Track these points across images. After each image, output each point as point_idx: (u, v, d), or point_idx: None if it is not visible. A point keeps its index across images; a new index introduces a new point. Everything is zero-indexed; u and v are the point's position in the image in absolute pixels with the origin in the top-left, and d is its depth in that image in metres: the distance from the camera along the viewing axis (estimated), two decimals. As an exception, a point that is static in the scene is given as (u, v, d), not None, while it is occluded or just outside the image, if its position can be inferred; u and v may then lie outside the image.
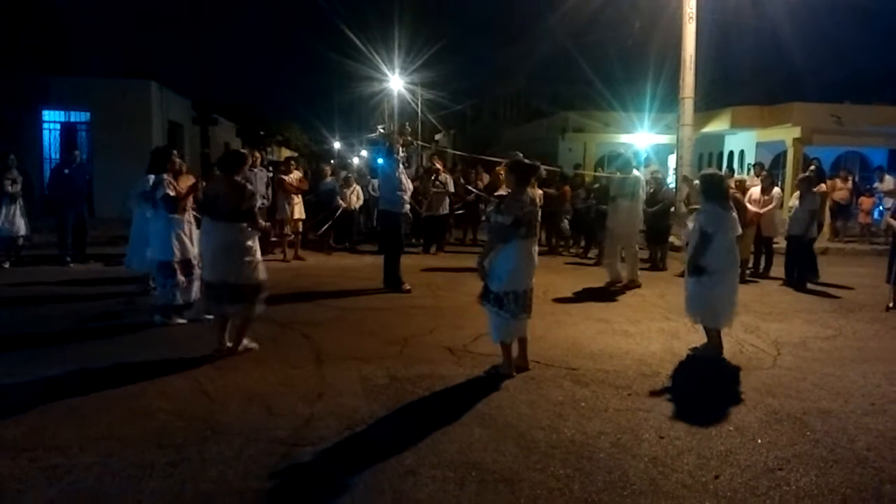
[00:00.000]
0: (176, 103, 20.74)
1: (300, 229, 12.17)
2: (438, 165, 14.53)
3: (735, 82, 26.86)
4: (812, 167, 12.60)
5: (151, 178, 7.01)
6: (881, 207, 15.89)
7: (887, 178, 16.30)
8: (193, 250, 7.03)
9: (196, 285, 6.96)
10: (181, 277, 6.81)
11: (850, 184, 16.00)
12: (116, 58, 23.80)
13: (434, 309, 7.88)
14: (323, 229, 12.92)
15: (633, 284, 9.53)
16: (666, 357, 6.02)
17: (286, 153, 34.69)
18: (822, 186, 11.97)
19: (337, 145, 53.12)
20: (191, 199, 7.36)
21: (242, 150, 6.16)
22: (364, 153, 43.54)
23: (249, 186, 5.90)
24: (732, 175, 16.25)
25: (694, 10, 14.01)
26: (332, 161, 25.83)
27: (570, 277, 10.36)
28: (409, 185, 9.48)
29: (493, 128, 40.65)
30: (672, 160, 17.99)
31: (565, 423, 4.36)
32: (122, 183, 10.62)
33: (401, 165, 9.26)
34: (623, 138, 23.60)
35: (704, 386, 5.37)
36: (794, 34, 22.26)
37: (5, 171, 10.38)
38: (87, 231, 11.44)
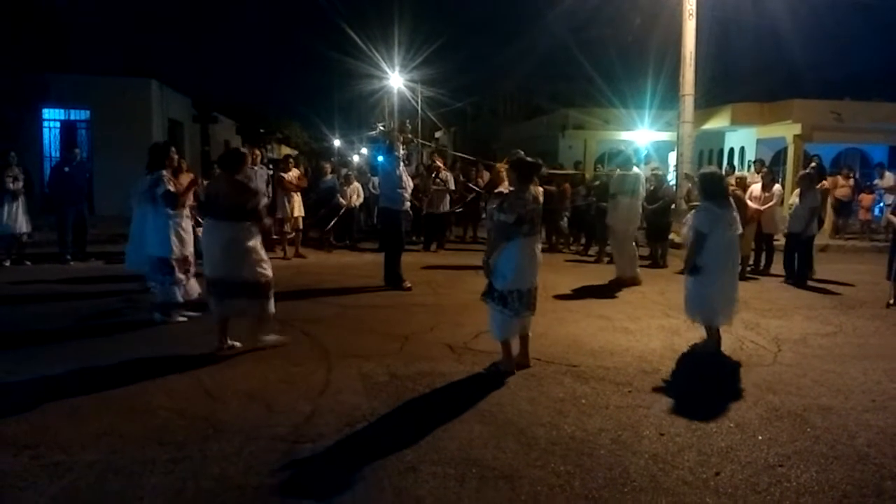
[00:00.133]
0: (176, 101, 20.74)
1: (300, 226, 12.18)
2: (439, 163, 14.53)
3: (735, 79, 26.85)
4: (813, 164, 12.61)
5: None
6: (881, 204, 15.89)
7: (887, 174, 16.30)
8: (191, 247, 7.04)
9: (193, 282, 6.97)
10: (180, 275, 6.81)
11: (851, 181, 15.99)
12: (116, 56, 23.85)
13: (434, 306, 7.88)
14: (328, 227, 12.93)
15: (633, 282, 9.51)
16: (666, 354, 6.02)
17: (286, 151, 34.70)
18: (824, 183, 11.98)
19: (337, 143, 53.10)
20: (190, 196, 7.38)
21: (242, 149, 6.14)
22: (364, 151, 43.53)
23: (253, 185, 5.91)
24: (733, 172, 16.24)
25: (694, 7, 14.01)
26: (332, 159, 25.84)
27: (570, 275, 10.36)
28: (409, 182, 9.48)
29: (493, 125, 40.66)
30: (672, 157, 18.01)
31: (566, 420, 4.36)
32: (122, 181, 10.62)
33: (401, 163, 9.26)
34: (623, 135, 23.62)
35: (705, 383, 5.37)
36: (794, 31, 22.24)
37: (6, 169, 10.37)
38: (87, 229, 11.45)
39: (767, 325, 7.17)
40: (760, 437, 4.15)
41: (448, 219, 14.38)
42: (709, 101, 20.50)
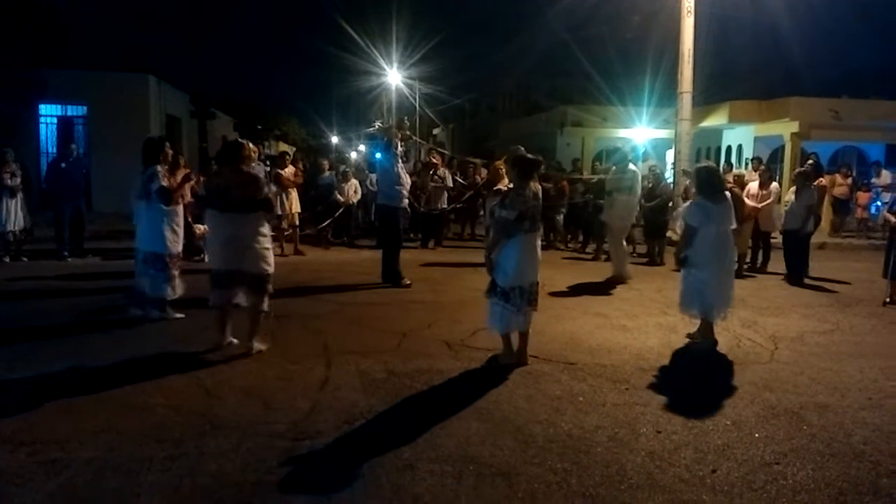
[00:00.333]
0: (174, 97, 20.69)
1: (297, 223, 12.17)
2: (436, 160, 14.51)
3: (733, 77, 26.84)
4: (810, 161, 12.61)
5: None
6: (878, 202, 15.90)
7: (884, 172, 16.34)
8: (181, 244, 7.01)
9: (178, 282, 6.91)
10: (173, 271, 6.78)
11: (849, 179, 16.01)
12: (114, 52, 23.75)
13: (432, 303, 7.89)
14: (324, 225, 12.93)
15: (619, 280, 9.52)
16: (663, 352, 6.03)
17: (284, 147, 34.63)
18: (822, 181, 11.98)
19: (335, 140, 53.02)
20: (186, 191, 7.33)
21: (240, 140, 6.07)
22: (362, 147, 43.48)
23: (260, 176, 5.86)
24: (731, 169, 16.24)
25: (692, 5, 14.00)
26: (330, 155, 25.81)
27: (567, 272, 10.37)
28: (407, 179, 9.47)
29: (491, 122, 40.62)
30: (670, 155, 18.00)
31: (563, 418, 4.37)
32: (119, 177, 10.62)
33: (399, 160, 9.25)
34: (621, 133, 23.61)
35: (702, 380, 5.38)
36: (792, 29, 22.25)
37: (3, 166, 10.35)
38: (84, 225, 11.42)
39: (764, 322, 7.19)
40: (757, 435, 4.16)
41: (446, 216, 14.37)
42: (707, 98, 20.49)
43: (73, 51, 20.97)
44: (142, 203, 6.73)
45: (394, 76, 35.65)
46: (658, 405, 4.64)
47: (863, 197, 16.29)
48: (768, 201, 10.83)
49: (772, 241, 11.23)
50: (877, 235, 15.31)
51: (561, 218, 13.48)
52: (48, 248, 11.01)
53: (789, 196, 10.42)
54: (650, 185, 11.88)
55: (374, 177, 13.53)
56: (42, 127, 18.24)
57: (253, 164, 9.26)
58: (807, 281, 9.90)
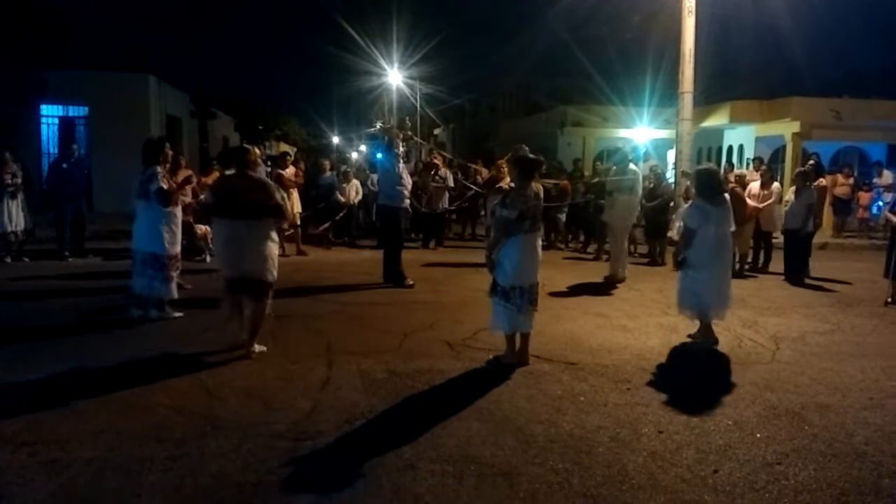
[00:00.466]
0: (174, 97, 20.69)
1: (298, 222, 12.17)
2: (437, 161, 14.51)
3: (734, 77, 26.82)
4: (811, 161, 12.60)
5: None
6: (880, 202, 15.89)
7: (886, 172, 16.32)
8: (179, 245, 7.00)
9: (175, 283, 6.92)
10: (170, 272, 6.78)
11: (851, 180, 15.99)
12: (115, 52, 23.75)
13: (433, 304, 7.88)
14: (325, 227, 12.93)
15: (615, 279, 9.51)
16: (664, 352, 6.03)
17: (284, 148, 34.63)
18: (822, 181, 11.97)
19: (336, 140, 53.01)
20: (187, 192, 7.32)
21: (246, 146, 6.04)
22: (363, 147, 43.46)
23: (269, 181, 5.82)
24: (732, 169, 16.23)
25: (693, 5, 13.98)
26: (331, 155, 25.81)
27: (568, 272, 10.36)
28: (408, 179, 9.47)
29: (491, 122, 40.61)
30: (671, 155, 17.99)
31: (564, 418, 4.36)
32: (120, 177, 10.59)
33: (400, 160, 9.24)
34: (622, 133, 23.60)
35: (703, 381, 5.38)
36: (793, 29, 22.23)
37: (3, 166, 10.35)
38: (85, 225, 11.43)
39: (766, 323, 7.18)
40: (759, 435, 4.15)
41: (447, 216, 14.37)
42: (708, 98, 20.47)
43: (74, 51, 20.99)
44: (141, 203, 6.72)
45: (394, 76, 35.63)
46: (659, 405, 4.63)
47: (864, 197, 16.28)
48: (769, 201, 10.83)
49: (773, 241, 11.21)
50: (878, 235, 15.31)
51: (563, 216, 13.46)
52: (49, 249, 11.02)
53: (789, 196, 10.42)
54: (651, 186, 11.88)
55: (375, 177, 13.54)
56: (43, 127, 18.24)
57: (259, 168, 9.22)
58: (808, 281, 9.89)
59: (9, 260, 10.34)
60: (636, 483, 3.51)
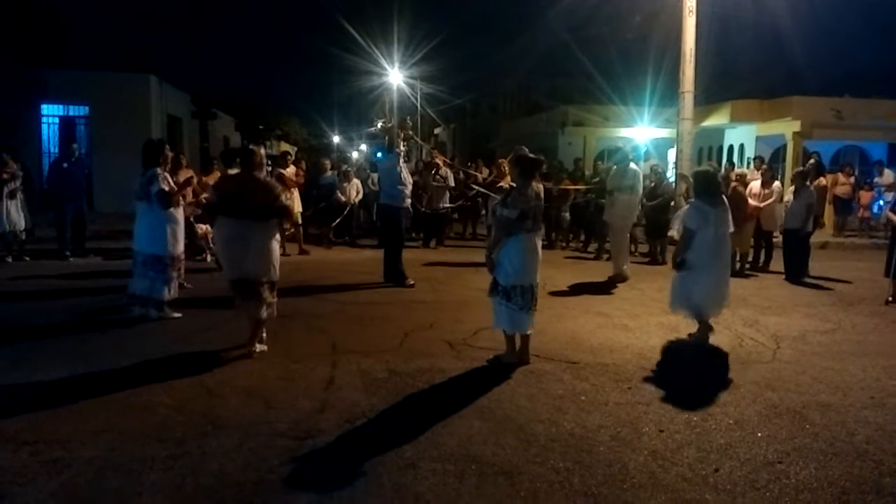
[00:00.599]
0: (175, 97, 20.70)
1: (300, 221, 12.16)
2: (438, 160, 14.50)
3: (735, 76, 26.80)
4: (812, 160, 12.59)
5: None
6: (880, 202, 15.87)
7: (886, 171, 16.29)
8: (182, 245, 7.01)
9: (176, 282, 6.94)
10: (172, 273, 6.78)
11: (852, 179, 15.98)
12: (115, 52, 23.76)
13: (434, 303, 7.88)
14: (328, 224, 12.94)
15: (618, 279, 9.51)
16: (665, 351, 6.02)
17: (285, 147, 34.64)
18: (822, 180, 11.97)
19: (336, 139, 53.03)
20: (188, 193, 7.33)
21: (252, 147, 6.04)
22: (364, 147, 43.45)
23: (276, 182, 5.82)
24: (733, 169, 16.23)
25: (694, 4, 13.97)
26: (332, 155, 25.80)
27: (569, 271, 10.36)
28: (409, 179, 9.47)
29: (492, 122, 40.60)
30: (672, 154, 17.98)
31: (565, 417, 4.36)
32: (121, 177, 10.60)
33: (401, 160, 9.25)
34: (623, 132, 23.59)
35: (704, 380, 5.37)
36: (794, 28, 22.21)
37: (2, 167, 10.37)
38: (86, 225, 11.44)
39: (766, 322, 7.18)
40: (759, 434, 4.15)
41: (448, 216, 14.37)
42: (708, 98, 20.46)
43: (75, 51, 21.03)
44: (142, 205, 6.73)
45: (395, 76, 35.61)
46: (660, 404, 4.63)
47: (865, 196, 16.27)
48: (770, 200, 10.82)
49: (773, 240, 11.20)
50: (879, 235, 15.30)
51: (567, 215, 13.43)
52: (50, 248, 11.02)
53: (788, 196, 10.41)
54: (652, 185, 11.87)
55: (375, 176, 13.54)
56: (44, 127, 18.27)
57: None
58: (809, 280, 9.88)
59: (10, 260, 10.35)
60: (637, 482, 3.51)
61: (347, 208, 13.25)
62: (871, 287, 9.25)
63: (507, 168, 8.64)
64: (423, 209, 13.22)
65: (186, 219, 7.47)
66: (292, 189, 11.88)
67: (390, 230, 9.31)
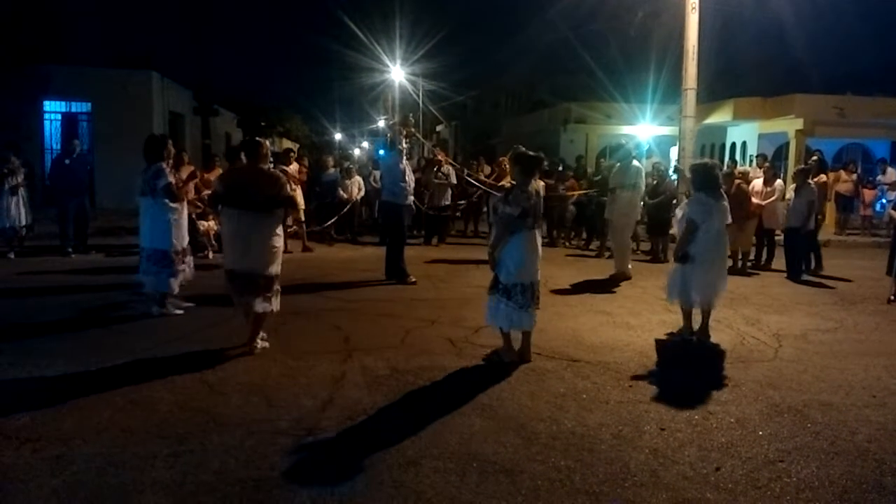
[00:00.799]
0: (177, 94, 20.71)
1: (302, 218, 12.16)
2: (440, 157, 14.49)
3: (737, 74, 26.76)
4: (814, 158, 12.57)
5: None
6: (883, 200, 15.85)
7: (890, 170, 16.26)
8: (187, 239, 7.02)
9: (188, 271, 6.97)
10: (178, 267, 6.79)
11: (854, 176, 15.95)
12: (117, 48, 23.76)
13: (435, 301, 7.88)
14: (328, 223, 12.95)
15: (621, 277, 9.50)
16: (667, 349, 6.02)
17: (287, 144, 34.63)
18: (823, 177, 11.95)
19: (338, 136, 53.00)
20: (190, 188, 7.33)
21: (257, 139, 6.04)
22: (365, 144, 43.41)
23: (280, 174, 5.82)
24: (736, 166, 16.21)
25: (697, 1, 13.95)
26: (334, 152, 25.79)
27: (571, 269, 10.36)
28: (411, 176, 9.46)
29: (494, 119, 40.58)
30: (674, 152, 17.97)
31: (566, 415, 4.37)
32: (123, 173, 10.60)
33: (404, 157, 9.23)
34: (625, 130, 23.56)
35: (705, 378, 5.36)
36: (796, 25, 22.15)
37: (4, 163, 10.38)
38: (88, 221, 11.45)
39: (768, 320, 7.17)
40: (761, 433, 4.15)
41: (450, 213, 14.36)
42: (711, 95, 20.45)
43: (77, 47, 21.06)
44: (146, 200, 6.73)
45: (397, 73, 35.59)
46: (662, 403, 4.63)
47: (868, 194, 16.25)
48: (772, 198, 10.80)
49: (776, 238, 11.19)
50: (881, 233, 15.29)
51: (573, 208, 13.41)
52: (52, 245, 11.03)
53: (789, 193, 10.39)
54: (654, 182, 11.87)
55: (377, 173, 13.53)
56: (46, 123, 18.28)
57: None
58: (811, 279, 9.87)
59: (12, 255, 10.37)
60: (638, 480, 3.51)
61: (349, 205, 13.25)
62: (873, 286, 9.24)
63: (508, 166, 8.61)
64: (425, 207, 13.22)
65: (189, 215, 7.47)
66: (295, 186, 11.90)
67: (392, 227, 9.31)
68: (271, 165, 12.99)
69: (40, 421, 4.07)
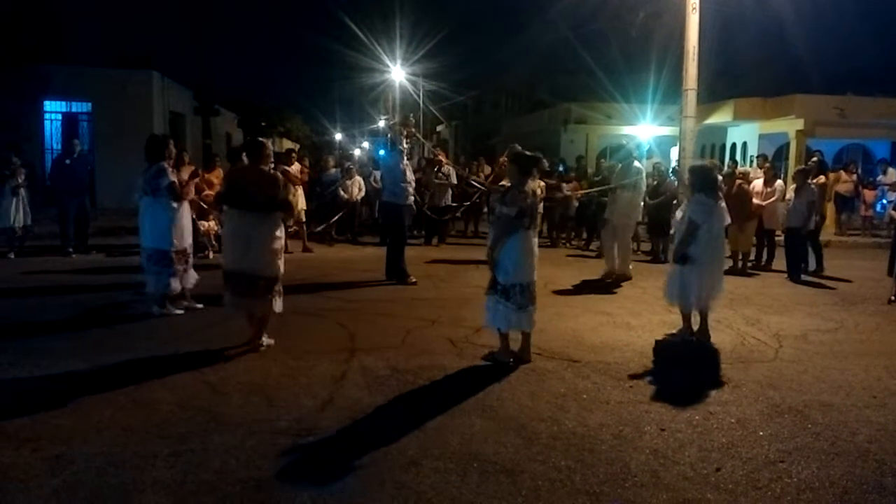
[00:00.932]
0: (177, 94, 20.71)
1: (303, 219, 12.16)
2: (441, 157, 14.48)
3: (738, 74, 26.74)
4: (814, 159, 12.57)
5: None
6: (884, 200, 15.84)
7: (891, 170, 16.24)
8: (190, 239, 7.04)
9: (192, 273, 6.98)
10: (178, 266, 6.80)
11: (854, 177, 15.94)
12: (118, 48, 23.77)
13: (435, 300, 7.88)
14: (329, 223, 12.95)
15: (622, 277, 9.51)
16: (667, 350, 6.02)
17: (288, 145, 34.62)
18: (822, 178, 11.95)
19: (339, 136, 52.98)
20: (191, 188, 7.34)
21: (261, 139, 6.07)
22: (366, 144, 43.41)
23: (280, 176, 5.84)
24: (736, 166, 16.21)
25: (697, 1, 13.93)
26: (335, 152, 25.79)
27: (571, 270, 10.36)
28: (412, 177, 9.45)
29: (494, 119, 40.59)
30: (675, 152, 17.97)
31: (567, 415, 4.37)
32: (123, 173, 10.59)
33: (404, 157, 9.23)
34: (625, 130, 23.56)
35: (705, 378, 5.36)
36: (797, 26, 22.15)
37: (7, 164, 10.38)
38: (89, 221, 11.46)
39: (768, 321, 7.17)
40: (761, 433, 4.15)
41: (448, 212, 14.35)
42: (711, 95, 20.43)
43: (78, 47, 21.06)
44: (146, 200, 6.74)
45: (397, 73, 35.58)
46: (662, 403, 4.63)
47: (868, 195, 16.24)
48: (773, 199, 10.80)
49: (776, 238, 11.18)
50: (882, 234, 15.29)
51: (575, 203, 13.39)
52: (53, 245, 11.04)
53: (789, 194, 10.39)
54: (654, 183, 11.86)
55: (377, 174, 13.53)
56: (47, 123, 18.28)
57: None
58: (811, 279, 9.87)
59: (12, 256, 10.37)
60: (639, 481, 3.51)
61: (349, 206, 13.25)
62: (873, 286, 9.23)
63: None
64: (426, 207, 13.22)
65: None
66: (297, 186, 11.90)
67: (393, 228, 9.30)
68: (272, 166, 13.04)
69: (40, 420, 4.07)
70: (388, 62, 34.17)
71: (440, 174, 13.77)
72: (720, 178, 7.49)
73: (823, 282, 9.74)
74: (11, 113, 15.50)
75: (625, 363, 5.53)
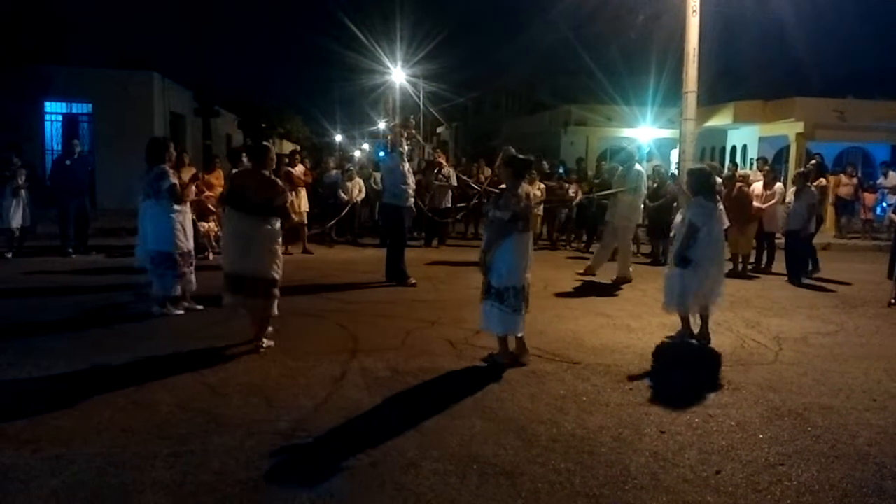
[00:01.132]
0: (178, 95, 20.72)
1: (305, 221, 12.16)
2: (441, 159, 14.49)
3: (738, 76, 26.75)
4: (814, 161, 12.58)
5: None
6: (884, 203, 15.84)
7: (891, 173, 16.25)
8: (192, 241, 7.05)
9: (193, 276, 6.99)
10: (182, 269, 6.81)
11: (854, 180, 15.95)
12: (118, 49, 23.78)
13: (435, 302, 7.88)
14: (329, 224, 12.94)
15: (622, 280, 9.50)
16: (667, 352, 6.02)
17: (288, 146, 34.62)
18: (823, 181, 11.95)
19: (339, 138, 53.01)
20: (192, 190, 7.34)
21: (265, 143, 6.11)
22: (366, 146, 43.43)
23: (280, 182, 5.87)
24: (736, 169, 16.21)
25: (697, 4, 13.94)
26: (335, 153, 25.78)
27: (571, 272, 10.35)
28: (412, 178, 9.46)
29: (494, 121, 40.58)
30: (675, 155, 17.97)
31: (566, 418, 4.36)
32: (123, 174, 10.59)
33: (405, 159, 9.23)
34: (626, 132, 23.59)
35: (706, 381, 5.36)
36: (797, 29, 22.16)
37: (8, 164, 10.38)
38: (89, 222, 11.46)
39: (768, 323, 7.17)
40: (761, 436, 4.15)
41: (449, 215, 14.36)
42: (711, 98, 20.43)
43: (78, 48, 21.06)
44: (147, 202, 6.75)
45: (398, 74, 35.58)
46: (662, 405, 4.63)
47: (868, 198, 16.24)
48: (773, 202, 10.80)
49: (776, 241, 11.19)
50: (882, 237, 15.29)
51: (574, 212, 13.42)
52: (53, 245, 11.04)
53: (789, 197, 10.39)
54: (655, 185, 11.87)
55: (378, 175, 13.53)
56: (47, 124, 18.28)
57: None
58: (811, 282, 9.87)
59: (9, 255, 10.37)
60: (638, 483, 3.51)
61: (349, 207, 13.24)
62: (873, 289, 9.24)
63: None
64: (426, 209, 13.21)
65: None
66: (300, 187, 11.90)
67: (393, 229, 9.31)
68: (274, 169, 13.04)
69: (40, 421, 4.07)
70: (388, 63, 34.17)
71: (440, 176, 13.77)
72: (720, 180, 7.50)
73: (823, 285, 9.74)
74: (12, 113, 15.49)
75: (625, 365, 5.53)
